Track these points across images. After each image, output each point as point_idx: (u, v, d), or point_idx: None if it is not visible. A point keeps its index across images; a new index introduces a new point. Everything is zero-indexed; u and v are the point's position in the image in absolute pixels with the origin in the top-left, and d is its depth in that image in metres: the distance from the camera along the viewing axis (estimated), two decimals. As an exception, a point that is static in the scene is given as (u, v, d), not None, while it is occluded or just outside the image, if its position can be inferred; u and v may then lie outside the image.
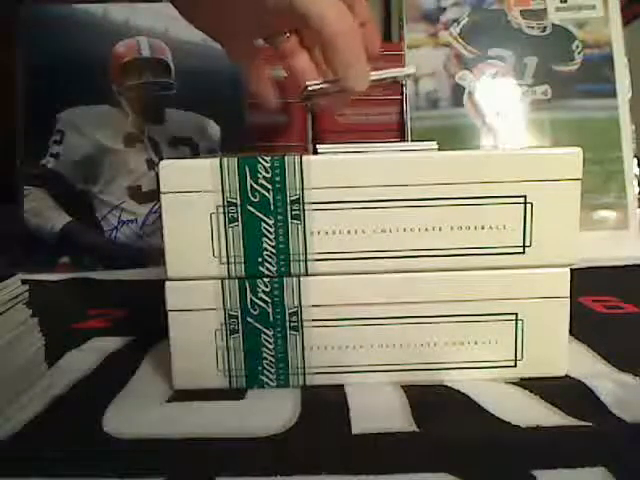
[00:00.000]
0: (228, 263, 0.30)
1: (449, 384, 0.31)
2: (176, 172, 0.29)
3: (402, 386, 0.31)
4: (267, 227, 0.29)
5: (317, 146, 0.34)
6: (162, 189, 0.29)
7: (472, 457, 0.24)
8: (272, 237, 0.29)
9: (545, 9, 0.61)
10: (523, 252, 0.30)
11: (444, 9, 0.62)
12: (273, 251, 0.29)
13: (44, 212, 0.58)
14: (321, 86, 0.38)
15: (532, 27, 0.61)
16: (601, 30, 0.61)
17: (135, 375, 0.33)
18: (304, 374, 0.31)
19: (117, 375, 0.33)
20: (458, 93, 0.61)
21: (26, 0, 0.59)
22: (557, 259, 0.30)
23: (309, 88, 0.38)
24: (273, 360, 0.31)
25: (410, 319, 0.30)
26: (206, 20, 0.39)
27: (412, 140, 0.60)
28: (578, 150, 0.29)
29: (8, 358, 0.29)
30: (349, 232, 0.29)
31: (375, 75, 0.37)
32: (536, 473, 0.23)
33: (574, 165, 0.29)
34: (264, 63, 0.42)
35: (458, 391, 0.30)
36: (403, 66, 0.57)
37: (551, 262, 0.30)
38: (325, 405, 0.29)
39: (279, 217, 0.29)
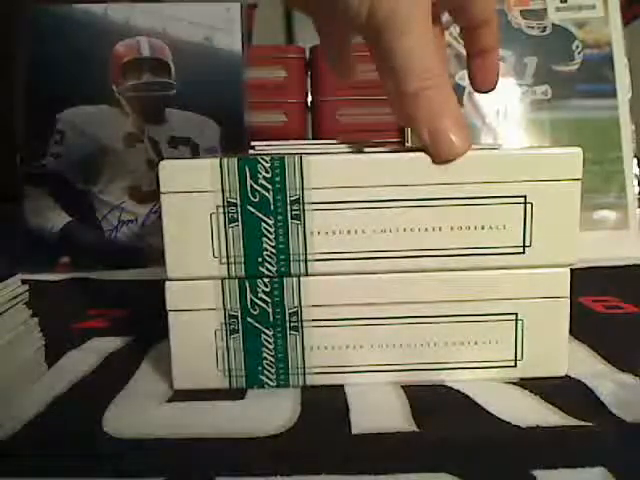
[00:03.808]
0: (228, 263, 0.30)
1: (449, 384, 0.31)
2: (176, 172, 0.29)
3: (402, 386, 0.31)
4: (267, 227, 0.29)
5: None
6: (162, 189, 0.29)
7: (472, 457, 0.24)
8: (272, 237, 0.29)
9: (545, 9, 0.61)
10: (523, 252, 0.30)
11: (444, 9, 0.62)
12: (273, 251, 0.29)
13: (44, 212, 0.58)
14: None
15: (532, 27, 0.61)
16: (601, 30, 0.61)
17: (135, 375, 0.33)
18: (304, 374, 0.31)
19: (117, 375, 0.33)
20: (458, 93, 0.61)
21: (26, 0, 0.59)
22: (557, 259, 0.30)
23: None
24: (273, 360, 0.31)
25: (410, 319, 0.30)
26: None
27: (413, 140, 0.60)
28: (578, 150, 0.29)
29: (8, 358, 0.29)
30: (349, 232, 0.29)
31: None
32: (536, 473, 0.23)
33: (574, 165, 0.29)
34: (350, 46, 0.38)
35: (458, 391, 0.30)
36: None
37: (551, 262, 0.30)
38: (325, 405, 0.29)
39: (279, 217, 0.29)
